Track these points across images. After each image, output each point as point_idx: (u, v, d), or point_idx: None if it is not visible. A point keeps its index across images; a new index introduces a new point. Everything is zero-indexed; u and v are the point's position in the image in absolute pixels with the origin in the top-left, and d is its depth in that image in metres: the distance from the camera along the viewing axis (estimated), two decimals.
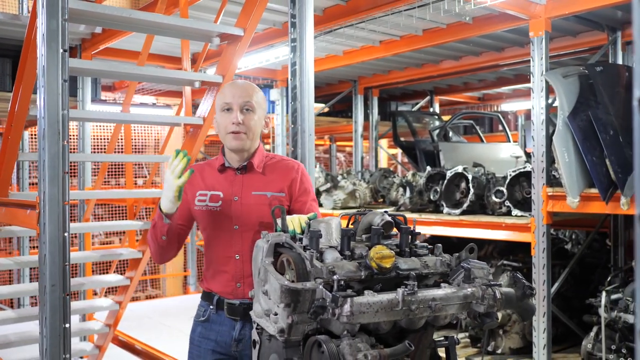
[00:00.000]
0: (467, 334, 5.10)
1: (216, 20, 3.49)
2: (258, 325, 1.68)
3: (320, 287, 1.46)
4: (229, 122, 2.09)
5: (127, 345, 4.87)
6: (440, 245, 1.78)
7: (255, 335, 1.69)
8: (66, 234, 2.22)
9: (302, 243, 1.68)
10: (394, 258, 1.60)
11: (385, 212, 1.85)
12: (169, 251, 2.14)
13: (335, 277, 1.45)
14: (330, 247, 1.68)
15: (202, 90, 3.43)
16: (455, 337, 1.75)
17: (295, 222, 1.82)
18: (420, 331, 1.67)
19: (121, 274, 4.37)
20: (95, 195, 4.49)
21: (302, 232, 1.77)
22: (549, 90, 4.11)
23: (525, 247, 4.55)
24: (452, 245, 5.24)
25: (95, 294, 5.20)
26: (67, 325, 2.23)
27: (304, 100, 2.87)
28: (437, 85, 8.20)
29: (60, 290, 2.20)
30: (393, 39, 5.48)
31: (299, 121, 2.87)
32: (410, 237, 1.76)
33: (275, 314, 1.54)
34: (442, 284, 1.61)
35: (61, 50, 2.21)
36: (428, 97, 8.41)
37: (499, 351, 4.78)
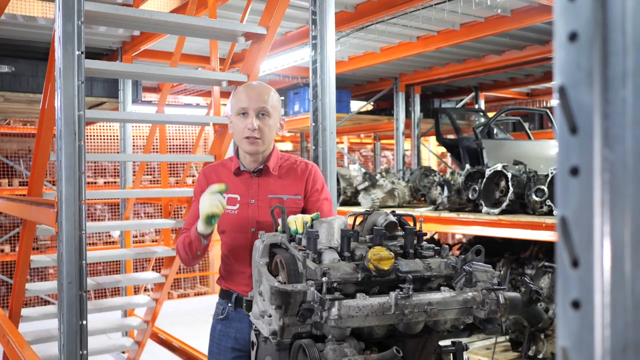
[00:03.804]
0: (507, 337, 4.93)
1: (242, 20, 3.49)
2: (256, 327, 1.65)
3: (312, 289, 1.41)
4: (245, 127, 2.10)
5: (165, 343, 4.96)
6: (447, 246, 1.70)
7: (253, 337, 1.67)
8: (83, 233, 2.26)
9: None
10: (392, 260, 1.53)
11: (393, 212, 1.78)
12: (200, 258, 2.16)
13: (324, 279, 1.40)
14: (330, 247, 1.62)
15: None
16: (463, 342, 1.67)
17: (298, 221, 1.77)
18: (424, 336, 1.60)
19: (157, 271, 4.46)
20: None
21: None
22: None
23: None
24: (498, 245, 5.06)
25: (136, 291, 5.32)
26: (84, 322, 2.27)
27: (325, 99, 2.82)
28: (482, 81, 7.97)
29: (77, 287, 2.24)
30: (430, 35, 5.36)
31: (319, 119, 2.83)
32: (417, 238, 1.69)
33: (270, 316, 1.51)
34: (443, 288, 1.53)
35: (77, 53, 2.24)
36: (473, 94, 8.18)
37: (540, 356, 4.59)
